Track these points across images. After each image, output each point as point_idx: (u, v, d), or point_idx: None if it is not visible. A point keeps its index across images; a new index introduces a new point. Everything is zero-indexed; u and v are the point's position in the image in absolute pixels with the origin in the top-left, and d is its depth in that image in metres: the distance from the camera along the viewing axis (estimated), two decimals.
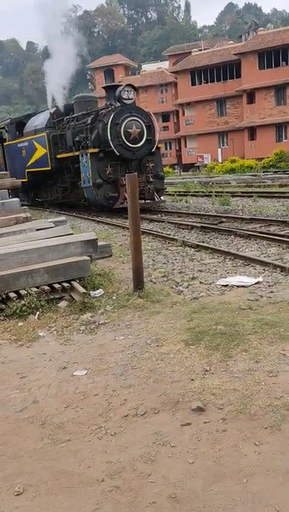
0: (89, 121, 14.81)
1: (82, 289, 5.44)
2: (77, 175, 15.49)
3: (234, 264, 7.03)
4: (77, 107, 16.62)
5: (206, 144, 39.67)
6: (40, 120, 18.40)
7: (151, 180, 14.54)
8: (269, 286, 5.67)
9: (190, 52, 43.86)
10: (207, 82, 40.42)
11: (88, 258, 5.97)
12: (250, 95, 36.87)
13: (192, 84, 41.06)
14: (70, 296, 5.57)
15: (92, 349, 4.15)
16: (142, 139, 14.09)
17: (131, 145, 13.90)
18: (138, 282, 5.73)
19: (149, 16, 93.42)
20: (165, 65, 51.21)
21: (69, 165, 16.12)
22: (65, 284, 5.61)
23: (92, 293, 5.71)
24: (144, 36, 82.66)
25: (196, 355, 3.71)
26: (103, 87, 16.23)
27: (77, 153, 14.95)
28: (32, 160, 18.25)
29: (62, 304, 5.43)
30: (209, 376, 3.35)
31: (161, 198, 15.10)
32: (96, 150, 14.07)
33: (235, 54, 37.21)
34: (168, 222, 11.72)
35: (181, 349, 3.87)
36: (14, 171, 19.46)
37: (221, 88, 39.24)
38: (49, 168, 17.05)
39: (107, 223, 12.98)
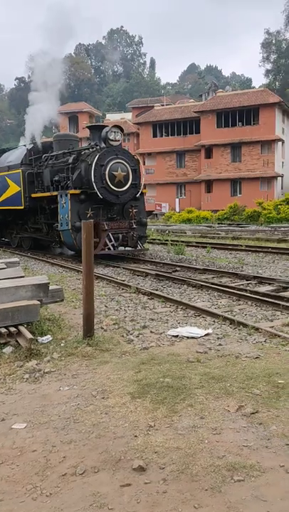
0: (70, 161, 14.02)
1: (29, 335, 5.28)
2: (52, 216, 14.74)
3: (185, 315, 7.08)
4: (57, 145, 15.84)
5: (164, 193, 40.80)
6: (15, 156, 17.48)
7: (134, 226, 13.73)
8: (218, 338, 5.72)
9: (152, 106, 45.91)
10: (168, 135, 42.16)
11: (38, 302, 5.84)
12: (208, 150, 38.65)
13: (153, 136, 42.66)
14: (16, 341, 5.38)
15: (34, 400, 3.98)
16: (126, 183, 13.44)
17: (115, 188, 13.19)
18: (88, 329, 5.63)
19: (116, 69, 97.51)
20: (128, 116, 53.20)
21: (44, 205, 15.35)
22: (12, 329, 5.43)
23: (39, 339, 5.55)
24: (109, 87, 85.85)
25: (142, 410, 3.63)
26: (88, 127, 15.47)
27: (55, 193, 14.15)
28: (3, 197, 17.40)
29: (7, 349, 5.23)
30: (153, 432, 3.27)
31: (144, 245, 14.38)
32: (78, 191, 13.27)
33: (195, 112, 39.22)
34: (123, 268, 11.77)
35: (126, 402, 3.79)
36: None
37: (181, 142, 40.97)
38: (22, 207, 16.10)
39: (61, 266, 12.86)
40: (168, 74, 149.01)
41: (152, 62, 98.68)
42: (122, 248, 13.53)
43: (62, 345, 5.43)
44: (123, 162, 13.36)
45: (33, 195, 15.72)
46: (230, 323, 6.37)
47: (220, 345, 5.42)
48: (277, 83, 59.41)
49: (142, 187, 14.21)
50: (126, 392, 3.97)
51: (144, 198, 15.04)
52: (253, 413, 3.50)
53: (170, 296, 8.34)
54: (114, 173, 13.13)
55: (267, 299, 7.59)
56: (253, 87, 59.70)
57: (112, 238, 12.96)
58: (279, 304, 7.22)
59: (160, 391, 3.92)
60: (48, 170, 15.21)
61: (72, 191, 13.28)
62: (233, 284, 9.08)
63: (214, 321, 6.55)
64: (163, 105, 46.29)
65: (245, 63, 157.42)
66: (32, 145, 17.00)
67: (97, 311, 6.99)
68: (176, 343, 5.60)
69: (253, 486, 2.65)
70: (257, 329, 5.93)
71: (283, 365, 4.52)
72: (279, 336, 5.59)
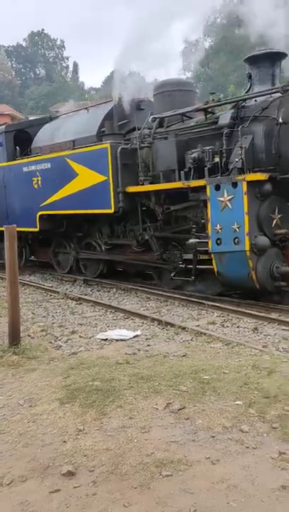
0: (226, 121, 7.60)
1: None
2: (167, 225, 8.74)
3: (115, 317, 7.13)
4: (163, 101, 9.21)
5: None
6: (81, 122, 10.42)
7: None
8: (146, 339, 5.82)
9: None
10: None
11: None
12: None
13: None
14: None
15: None
16: None
17: None
18: (14, 337, 5.47)
19: (38, 72, 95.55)
20: None
21: (153, 206, 8.72)
22: None
23: None
24: (32, 90, 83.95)
25: (71, 415, 3.60)
26: (246, 59, 8.01)
27: (199, 182, 7.66)
28: (60, 194, 10.09)
29: None
30: (82, 436, 3.25)
31: None
32: (263, 176, 7.03)
33: None
34: (50, 274, 11.57)
35: (55, 409, 3.73)
36: (6, 214, 11.72)
37: None
38: (111, 211, 9.05)
39: None
40: (91, 79, 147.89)
41: (75, 66, 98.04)
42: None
43: None
44: None
45: (132, 189, 8.86)
46: (159, 324, 6.52)
47: (148, 345, 5.52)
48: (198, 91, 61.59)
49: None
50: (54, 399, 3.90)
51: None
52: (180, 409, 3.60)
53: (99, 300, 8.35)
54: None
55: (193, 299, 7.84)
56: None
57: None
58: (204, 304, 7.48)
59: (89, 395, 3.90)
60: (171, 142, 8.38)
61: (253, 176, 7.10)
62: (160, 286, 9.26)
63: (143, 323, 6.66)
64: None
65: (168, 71, 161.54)
66: (115, 103, 9.84)
67: (24, 318, 6.83)
68: (106, 346, 5.62)
69: (180, 479, 2.72)
70: (184, 328, 6.11)
71: (208, 362, 4.69)
72: (204, 334, 5.81)
